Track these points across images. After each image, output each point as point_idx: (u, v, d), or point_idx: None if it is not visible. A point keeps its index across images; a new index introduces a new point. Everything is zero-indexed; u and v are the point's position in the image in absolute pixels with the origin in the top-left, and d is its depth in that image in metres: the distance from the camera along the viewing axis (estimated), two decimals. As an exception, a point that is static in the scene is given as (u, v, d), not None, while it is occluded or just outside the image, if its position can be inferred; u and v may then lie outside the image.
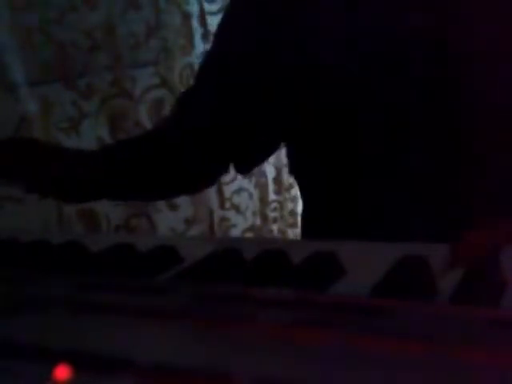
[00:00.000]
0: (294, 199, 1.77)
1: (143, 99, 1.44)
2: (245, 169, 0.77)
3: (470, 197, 0.58)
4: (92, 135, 1.38)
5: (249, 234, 1.72)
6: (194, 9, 1.51)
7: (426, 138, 0.58)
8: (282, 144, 0.76)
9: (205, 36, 1.51)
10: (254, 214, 1.73)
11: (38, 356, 0.23)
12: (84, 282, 0.30)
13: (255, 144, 0.74)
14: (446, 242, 0.35)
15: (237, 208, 1.68)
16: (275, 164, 1.71)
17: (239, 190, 1.68)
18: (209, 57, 0.75)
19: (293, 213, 1.79)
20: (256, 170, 1.67)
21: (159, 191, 0.79)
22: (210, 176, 0.79)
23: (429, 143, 0.58)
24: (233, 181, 1.63)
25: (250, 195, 1.71)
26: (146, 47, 1.44)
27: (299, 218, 1.77)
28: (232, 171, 0.79)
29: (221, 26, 0.73)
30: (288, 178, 1.72)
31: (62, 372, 0.21)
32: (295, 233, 1.79)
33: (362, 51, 0.59)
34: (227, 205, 1.66)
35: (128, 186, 0.75)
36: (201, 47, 1.50)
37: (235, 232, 1.69)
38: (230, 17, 0.72)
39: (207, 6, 1.52)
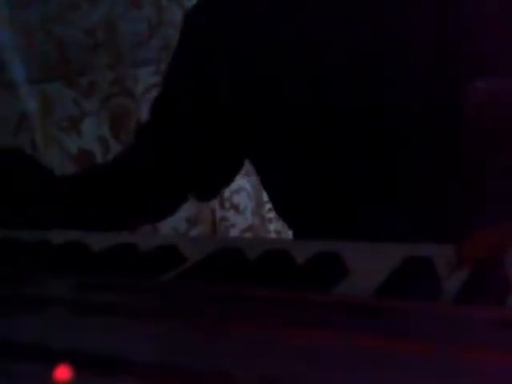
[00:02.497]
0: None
1: (144, 98, 1.44)
2: (204, 197, 0.77)
3: (471, 198, 0.58)
4: (93, 134, 1.38)
5: (247, 234, 1.72)
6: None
7: (426, 139, 0.58)
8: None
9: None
10: (252, 213, 1.73)
11: (37, 356, 0.23)
12: (84, 281, 0.30)
13: (215, 172, 0.74)
14: (448, 243, 0.34)
15: (236, 208, 1.68)
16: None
17: (238, 190, 1.67)
18: (169, 77, 0.74)
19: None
20: (253, 170, 1.67)
21: (120, 220, 0.77)
22: (169, 205, 0.79)
23: (429, 144, 0.58)
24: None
25: (249, 195, 1.71)
26: (148, 46, 1.44)
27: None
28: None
29: (181, 38, 0.72)
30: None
31: (62, 372, 0.21)
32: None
33: (361, 53, 0.59)
34: (227, 205, 1.66)
35: (86, 215, 0.72)
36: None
37: (235, 232, 1.69)
38: (190, 31, 0.71)
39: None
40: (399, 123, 0.59)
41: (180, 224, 1.55)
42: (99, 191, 0.72)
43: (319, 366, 0.20)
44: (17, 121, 1.27)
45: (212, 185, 0.77)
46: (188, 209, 1.54)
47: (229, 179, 0.78)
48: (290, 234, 1.78)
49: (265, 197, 1.75)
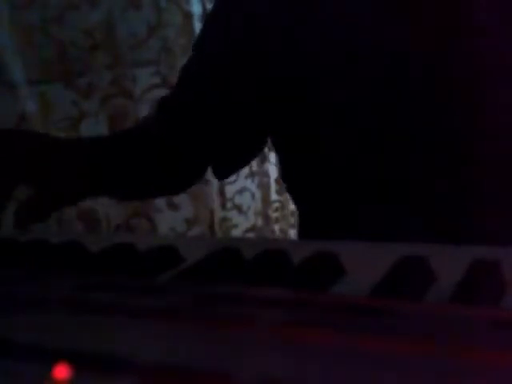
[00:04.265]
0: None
1: (143, 99, 1.44)
2: (222, 174, 0.77)
3: (471, 203, 0.58)
4: (92, 134, 1.37)
5: (250, 235, 1.72)
6: (195, 8, 1.51)
7: (425, 143, 0.58)
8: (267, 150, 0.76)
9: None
10: (255, 214, 1.73)
11: (37, 356, 0.23)
12: (84, 282, 0.30)
13: (234, 150, 0.74)
14: (446, 243, 0.35)
15: (239, 208, 1.68)
16: (278, 164, 1.71)
17: (241, 190, 1.68)
18: (192, 59, 0.74)
19: (295, 213, 1.79)
20: (258, 170, 1.68)
21: (135, 190, 0.78)
22: (186, 179, 0.79)
23: (429, 149, 0.58)
24: (235, 181, 1.63)
25: (253, 195, 1.71)
26: (147, 46, 1.44)
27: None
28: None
29: (206, 25, 0.73)
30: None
31: (62, 372, 0.21)
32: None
33: (362, 56, 0.59)
34: (229, 205, 1.66)
35: (107, 183, 0.74)
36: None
37: (236, 232, 1.69)
38: (217, 19, 0.72)
39: (209, 6, 1.52)
40: (397, 126, 0.59)
41: (178, 224, 1.55)
42: (117, 158, 0.72)
43: (319, 365, 0.20)
44: (16, 121, 1.27)
45: (231, 162, 0.76)
46: (186, 209, 1.54)
47: (248, 158, 0.78)
48: (294, 234, 1.79)
49: (272, 197, 1.75)
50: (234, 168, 0.78)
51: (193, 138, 0.72)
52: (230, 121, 0.70)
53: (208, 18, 0.74)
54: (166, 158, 0.73)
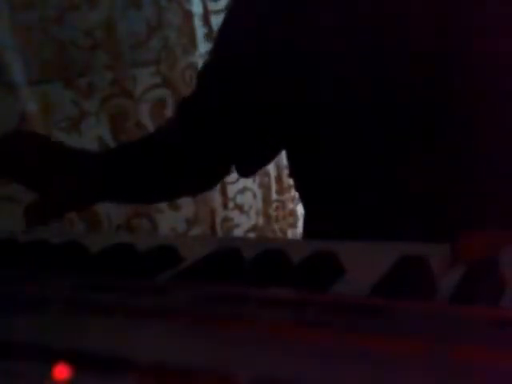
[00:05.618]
0: (294, 199, 1.77)
1: (144, 99, 1.44)
2: (246, 171, 0.77)
3: (471, 203, 0.58)
4: (92, 135, 1.38)
5: (252, 234, 1.72)
6: (196, 8, 1.51)
7: (426, 144, 0.58)
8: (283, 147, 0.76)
9: (208, 35, 1.50)
10: (257, 213, 1.73)
11: (37, 356, 0.23)
12: (84, 282, 0.30)
13: (257, 147, 0.74)
14: (445, 243, 0.35)
15: (240, 208, 1.68)
16: (277, 164, 1.71)
17: (243, 190, 1.67)
18: (210, 60, 0.75)
19: (293, 213, 1.79)
20: (260, 170, 1.67)
21: (161, 193, 0.80)
22: (212, 178, 0.80)
23: (429, 148, 0.58)
24: (237, 180, 1.63)
25: (254, 195, 1.71)
26: (147, 46, 1.44)
27: (299, 218, 1.77)
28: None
29: (221, 28, 0.74)
30: (289, 179, 1.72)
31: (62, 372, 0.21)
32: (294, 233, 1.79)
33: (362, 54, 0.59)
34: (231, 205, 1.66)
35: (129, 189, 0.75)
36: (204, 46, 1.49)
37: (238, 232, 1.69)
38: (230, 20, 0.72)
39: (211, 5, 1.52)
40: (399, 127, 0.59)
41: (179, 224, 1.55)
42: (140, 163, 0.73)
43: (319, 365, 0.20)
44: (17, 121, 1.27)
45: (253, 159, 0.76)
46: (187, 209, 1.54)
47: (270, 156, 0.78)
48: (292, 233, 1.78)
49: (273, 196, 1.75)
50: (258, 165, 0.78)
51: (216, 138, 0.73)
52: (249, 120, 0.70)
53: (224, 20, 0.75)
54: (189, 158, 0.74)
